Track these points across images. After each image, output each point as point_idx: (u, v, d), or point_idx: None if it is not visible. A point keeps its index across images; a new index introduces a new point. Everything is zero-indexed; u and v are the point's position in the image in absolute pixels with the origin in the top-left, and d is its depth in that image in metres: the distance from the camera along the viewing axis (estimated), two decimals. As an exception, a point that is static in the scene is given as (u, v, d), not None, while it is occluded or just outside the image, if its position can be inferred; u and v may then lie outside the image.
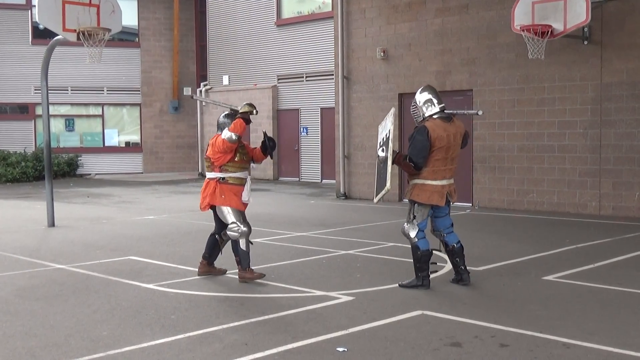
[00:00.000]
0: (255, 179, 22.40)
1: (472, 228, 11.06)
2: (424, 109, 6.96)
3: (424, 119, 6.93)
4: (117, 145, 25.81)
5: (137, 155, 25.87)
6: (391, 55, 15.51)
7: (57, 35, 11.37)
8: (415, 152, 6.77)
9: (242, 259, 7.29)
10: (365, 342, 5.23)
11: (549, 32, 12.00)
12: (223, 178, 7.27)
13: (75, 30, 11.11)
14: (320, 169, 20.92)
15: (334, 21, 16.90)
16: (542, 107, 13.32)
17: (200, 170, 24.74)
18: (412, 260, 7.00)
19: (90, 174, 24.76)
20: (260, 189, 19.08)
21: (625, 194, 12.39)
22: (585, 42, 12.67)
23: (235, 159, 7.27)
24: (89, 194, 18.14)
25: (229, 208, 7.26)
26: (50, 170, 12.15)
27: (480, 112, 7.65)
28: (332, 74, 17.89)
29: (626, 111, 12.36)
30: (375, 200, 7.06)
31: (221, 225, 7.49)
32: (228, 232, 7.30)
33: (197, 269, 7.74)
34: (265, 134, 7.58)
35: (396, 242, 9.76)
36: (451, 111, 7.24)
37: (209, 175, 7.39)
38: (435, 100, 6.95)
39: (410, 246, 7.02)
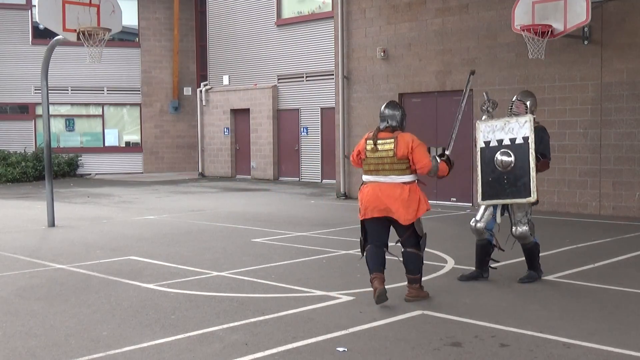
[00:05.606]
0: (255, 179, 22.41)
1: (472, 228, 11.04)
2: (534, 109, 7.34)
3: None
4: (117, 145, 25.82)
5: (137, 155, 25.87)
6: (391, 55, 15.51)
7: (57, 35, 11.37)
8: (549, 148, 7.15)
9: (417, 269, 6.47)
10: (365, 342, 5.23)
11: (549, 32, 12.00)
12: (418, 180, 6.48)
13: (75, 30, 11.11)
14: (320, 169, 20.91)
15: (334, 21, 16.89)
16: (542, 107, 13.27)
17: (200, 170, 24.72)
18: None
19: (90, 174, 24.76)
20: (260, 189, 19.08)
21: (626, 194, 12.39)
22: (586, 42, 12.67)
23: None
24: (89, 194, 18.13)
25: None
26: (51, 170, 12.15)
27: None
28: (332, 74, 17.88)
29: (626, 111, 12.36)
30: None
31: (386, 235, 6.55)
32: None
33: (373, 289, 6.33)
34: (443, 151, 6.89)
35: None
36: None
37: (398, 179, 6.30)
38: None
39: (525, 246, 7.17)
